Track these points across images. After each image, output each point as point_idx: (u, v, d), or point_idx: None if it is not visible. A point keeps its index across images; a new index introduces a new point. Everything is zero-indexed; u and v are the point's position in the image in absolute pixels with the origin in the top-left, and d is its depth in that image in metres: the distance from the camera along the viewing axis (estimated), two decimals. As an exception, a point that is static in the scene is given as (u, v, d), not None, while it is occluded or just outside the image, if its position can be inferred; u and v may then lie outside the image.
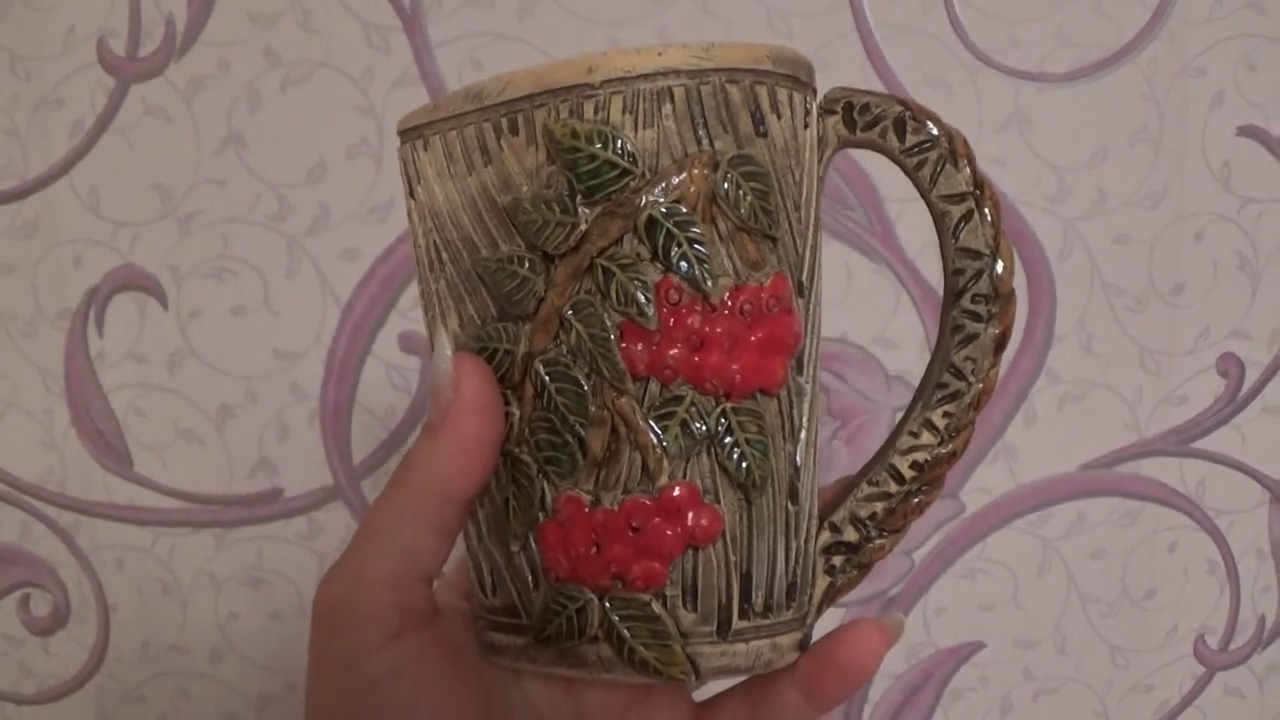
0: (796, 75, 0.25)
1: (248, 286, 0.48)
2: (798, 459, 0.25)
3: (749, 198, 0.24)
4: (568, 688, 0.29)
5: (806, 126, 0.25)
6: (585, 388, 0.24)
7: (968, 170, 0.26)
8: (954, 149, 0.25)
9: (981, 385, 0.26)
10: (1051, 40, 0.47)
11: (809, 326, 0.26)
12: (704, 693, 0.30)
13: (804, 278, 0.25)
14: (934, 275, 0.48)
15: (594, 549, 0.24)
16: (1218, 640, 0.53)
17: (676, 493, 0.24)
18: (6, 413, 0.49)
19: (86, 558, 0.50)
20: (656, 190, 0.23)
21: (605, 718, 0.29)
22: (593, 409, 0.24)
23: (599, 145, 0.23)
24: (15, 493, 0.50)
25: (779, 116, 0.24)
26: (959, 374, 0.26)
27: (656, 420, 0.24)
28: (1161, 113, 0.48)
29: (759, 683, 0.28)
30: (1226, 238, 0.50)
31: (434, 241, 0.26)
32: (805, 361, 0.25)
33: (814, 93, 0.26)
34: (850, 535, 0.27)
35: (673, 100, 0.23)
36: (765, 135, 0.24)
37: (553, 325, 0.24)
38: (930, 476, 0.27)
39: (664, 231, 0.23)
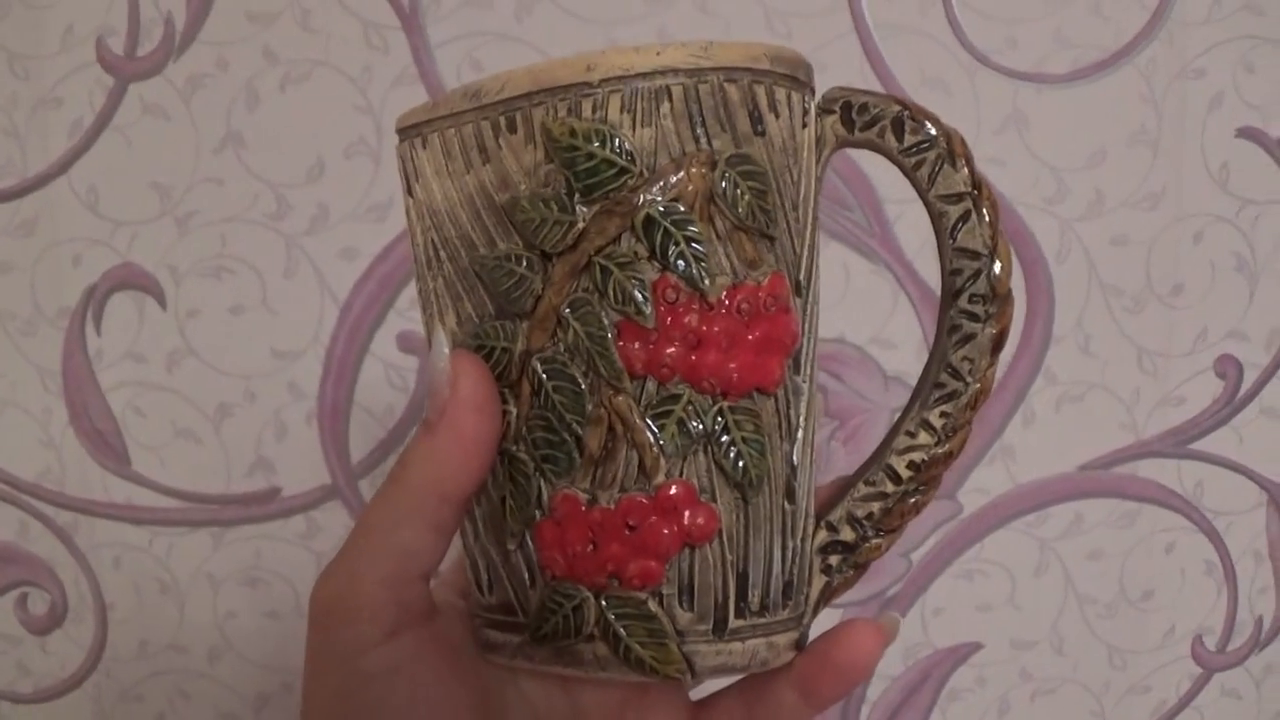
0: (795, 75, 0.25)
1: (246, 286, 0.48)
2: (794, 458, 0.25)
3: (747, 197, 0.24)
4: (564, 686, 0.29)
5: (805, 126, 0.25)
6: (582, 386, 0.24)
7: (966, 170, 0.26)
8: (952, 149, 0.25)
9: (978, 385, 0.26)
10: (1050, 41, 0.47)
11: (806, 326, 0.26)
12: (700, 692, 0.30)
13: (801, 277, 0.25)
14: (932, 276, 0.48)
15: (590, 547, 0.24)
16: (1215, 641, 0.53)
17: (673, 491, 0.24)
18: (4, 411, 0.49)
19: (84, 556, 0.50)
20: (654, 189, 0.23)
21: (601, 716, 0.29)
22: (590, 407, 0.24)
23: (597, 144, 0.23)
24: (13, 491, 0.50)
25: (777, 116, 0.24)
26: (956, 374, 0.26)
27: (653, 419, 0.24)
28: (1160, 114, 0.48)
29: (755, 682, 0.28)
30: (1225, 239, 0.50)
31: (432, 240, 0.26)
32: (802, 361, 0.25)
33: (812, 92, 0.26)
34: (847, 535, 0.27)
35: (671, 99, 0.23)
36: (763, 134, 0.24)
37: (550, 323, 0.24)
38: (927, 476, 0.27)
39: (662, 230, 0.23)
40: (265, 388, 0.48)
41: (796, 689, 0.27)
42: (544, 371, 0.24)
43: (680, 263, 0.23)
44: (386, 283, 0.48)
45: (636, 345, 0.23)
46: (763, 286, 0.24)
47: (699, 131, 0.23)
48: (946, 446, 0.27)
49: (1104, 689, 0.53)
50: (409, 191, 0.26)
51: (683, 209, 0.23)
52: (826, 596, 0.27)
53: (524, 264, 0.24)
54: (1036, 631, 0.52)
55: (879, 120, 0.26)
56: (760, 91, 0.24)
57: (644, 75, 0.23)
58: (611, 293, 0.23)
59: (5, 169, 0.47)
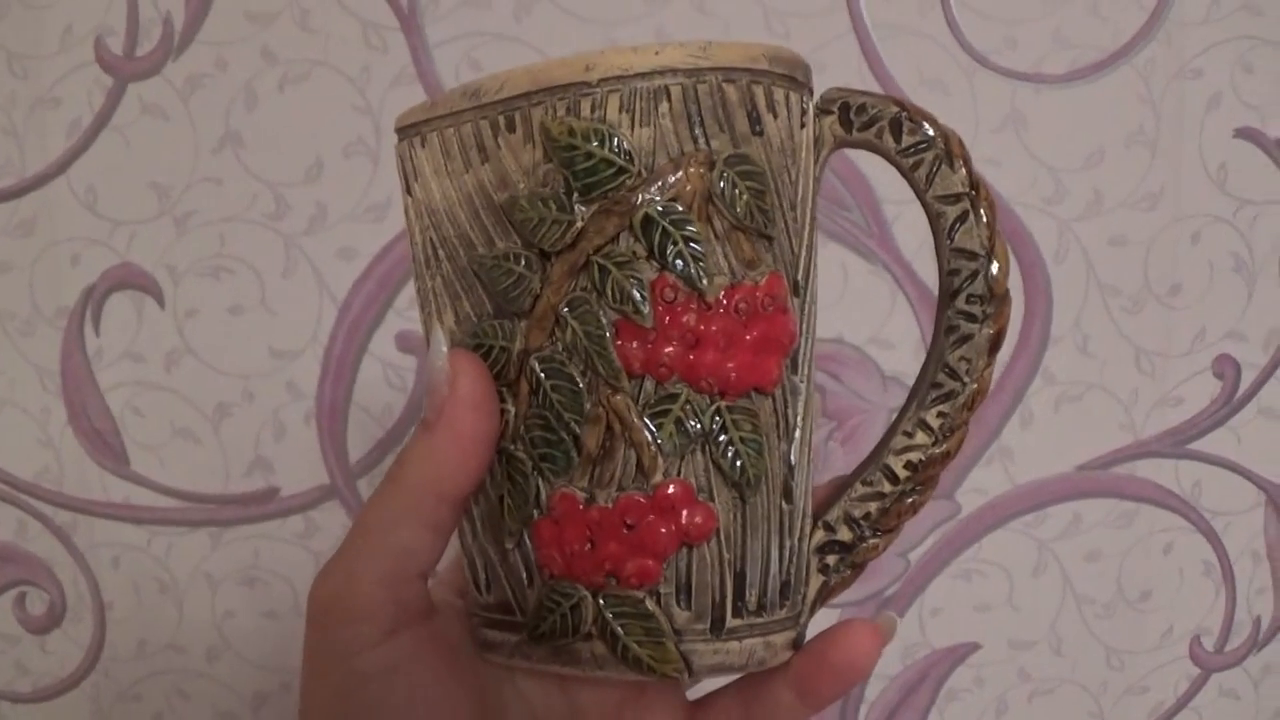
0: (793, 75, 0.25)
1: (245, 285, 0.48)
2: (792, 458, 0.25)
3: (745, 197, 0.24)
4: (562, 685, 0.29)
5: (803, 126, 0.25)
6: (580, 385, 0.24)
7: (963, 171, 0.26)
8: (950, 149, 0.25)
9: (976, 386, 0.26)
10: (1048, 41, 0.47)
11: (804, 326, 0.26)
12: (697, 691, 0.30)
13: (799, 277, 0.25)
14: (930, 276, 0.48)
15: (588, 546, 0.24)
16: (1213, 642, 0.53)
17: (671, 490, 0.24)
18: (3, 411, 0.49)
19: (83, 556, 0.50)
20: (653, 189, 0.23)
21: (599, 715, 0.29)
22: (588, 406, 0.24)
23: (595, 143, 0.23)
24: (12, 491, 0.50)
25: (775, 116, 0.24)
26: (954, 374, 0.26)
27: (651, 418, 0.24)
28: (1158, 114, 0.48)
29: (752, 681, 0.28)
30: (1223, 239, 0.50)
31: (430, 239, 0.26)
32: (800, 361, 0.25)
33: (810, 93, 0.26)
34: (844, 535, 0.27)
35: (669, 99, 0.23)
36: (761, 134, 0.24)
37: (548, 323, 0.24)
38: (924, 476, 0.27)
39: (660, 230, 0.23)
40: (264, 387, 0.48)
41: (794, 689, 0.27)
42: (542, 370, 0.24)
43: (678, 262, 0.23)
44: (385, 282, 0.48)
45: (634, 344, 0.23)
46: (760, 286, 0.24)
47: (697, 131, 0.23)
48: (944, 447, 0.27)
49: (1102, 689, 0.53)
50: (408, 191, 0.26)
51: (681, 209, 0.23)
52: (824, 596, 0.27)
53: (522, 263, 0.24)
54: (1034, 632, 0.52)
55: (877, 121, 0.26)
56: (758, 92, 0.24)
57: (642, 75, 0.23)
58: (610, 292, 0.23)
59: (4, 169, 0.47)
